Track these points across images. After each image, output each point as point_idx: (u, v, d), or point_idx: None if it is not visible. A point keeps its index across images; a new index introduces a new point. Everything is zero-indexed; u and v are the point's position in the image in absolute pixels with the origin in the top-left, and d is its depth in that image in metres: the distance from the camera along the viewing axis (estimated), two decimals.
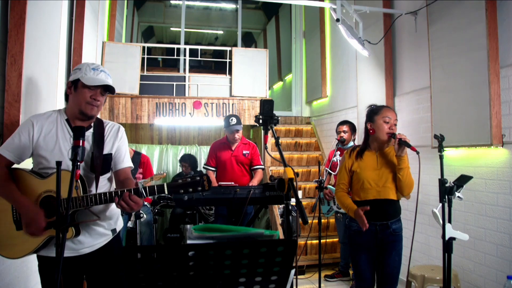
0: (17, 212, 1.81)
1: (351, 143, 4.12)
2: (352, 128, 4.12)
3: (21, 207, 1.75)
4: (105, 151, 1.94)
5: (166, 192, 1.71)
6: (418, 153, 2.30)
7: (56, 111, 1.96)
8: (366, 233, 2.43)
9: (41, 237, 1.77)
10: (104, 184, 1.98)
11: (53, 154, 1.83)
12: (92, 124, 1.96)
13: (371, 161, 2.50)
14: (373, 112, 2.52)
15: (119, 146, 2.00)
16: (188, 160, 5.24)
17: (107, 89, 1.91)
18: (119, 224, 2.08)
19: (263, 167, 4.16)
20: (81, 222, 1.82)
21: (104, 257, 1.94)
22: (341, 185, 2.58)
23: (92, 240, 1.91)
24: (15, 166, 1.89)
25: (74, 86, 1.87)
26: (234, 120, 3.96)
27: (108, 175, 1.99)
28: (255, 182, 3.90)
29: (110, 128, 2.01)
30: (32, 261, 2.64)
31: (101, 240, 1.94)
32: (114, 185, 2.06)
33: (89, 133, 1.93)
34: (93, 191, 1.88)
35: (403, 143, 2.32)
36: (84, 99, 1.85)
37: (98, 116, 2.03)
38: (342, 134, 4.06)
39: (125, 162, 2.02)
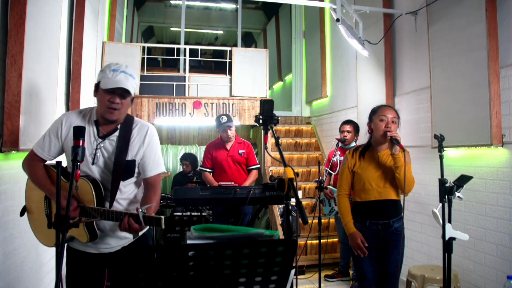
0: (48, 207, 1.87)
1: (353, 143, 4.12)
2: (356, 128, 4.12)
3: (52, 197, 1.81)
4: (129, 157, 1.86)
5: (163, 226, 1.64)
6: (404, 151, 2.32)
7: (89, 110, 1.91)
8: (369, 233, 2.43)
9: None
10: (129, 189, 1.93)
11: None
12: (119, 127, 1.88)
13: (372, 161, 2.51)
14: (372, 112, 2.55)
15: (145, 153, 1.90)
16: (189, 158, 5.24)
17: (128, 91, 1.80)
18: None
19: (258, 166, 4.15)
20: (81, 222, 1.82)
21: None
22: (344, 186, 2.57)
23: (113, 241, 1.91)
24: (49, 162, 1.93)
25: (97, 89, 1.83)
26: (224, 118, 3.96)
27: (133, 179, 1.93)
28: (247, 183, 3.89)
29: (138, 131, 1.91)
30: (33, 261, 2.65)
31: (122, 242, 1.93)
32: (142, 190, 2.01)
33: (114, 137, 1.86)
34: (115, 196, 1.86)
35: (393, 141, 2.34)
36: (104, 103, 1.78)
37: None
38: (346, 133, 4.06)
39: (153, 170, 1.92)
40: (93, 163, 1.83)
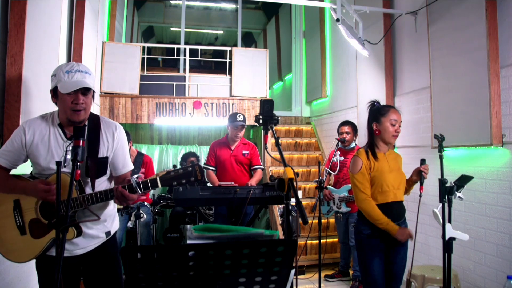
0: (19, 218, 1.82)
1: (353, 144, 4.11)
2: (354, 129, 4.12)
3: (28, 190, 1.77)
4: (100, 155, 1.88)
5: (160, 185, 1.72)
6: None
7: (50, 114, 1.90)
8: (382, 235, 2.40)
9: (46, 239, 1.79)
10: (102, 187, 1.93)
11: (46, 160, 1.81)
12: (86, 128, 1.86)
13: (384, 163, 2.48)
14: (379, 113, 2.48)
15: (116, 151, 1.93)
16: (194, 156, 5.18)
17: (89, 89, 1.80)
18: (114, 227, 2.05)
19: (262, 167, 4.14)
20: (81, 222, 1.82)
21: (98, 258, 1.94)
22: (366, 190, 2.43)
23: (86, 241, 1.89)
24: (13, 172, 1.89)
25: (55, 94, 1.81)
26: (241, 117, 3.95)
27: (105, 177, 1.95)
28: (253, 181, 3.85)
29: (106, 128, 1.94)
30: (32, 261, 2.64)
31: (95, 242, 1.93)
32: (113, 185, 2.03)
33: None
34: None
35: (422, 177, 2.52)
36: (68, 106, 1.77)
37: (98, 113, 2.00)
38: (345, 135, 4.05)
39: (125, 167, 1.97)
40: (64, 166, 1.79)
